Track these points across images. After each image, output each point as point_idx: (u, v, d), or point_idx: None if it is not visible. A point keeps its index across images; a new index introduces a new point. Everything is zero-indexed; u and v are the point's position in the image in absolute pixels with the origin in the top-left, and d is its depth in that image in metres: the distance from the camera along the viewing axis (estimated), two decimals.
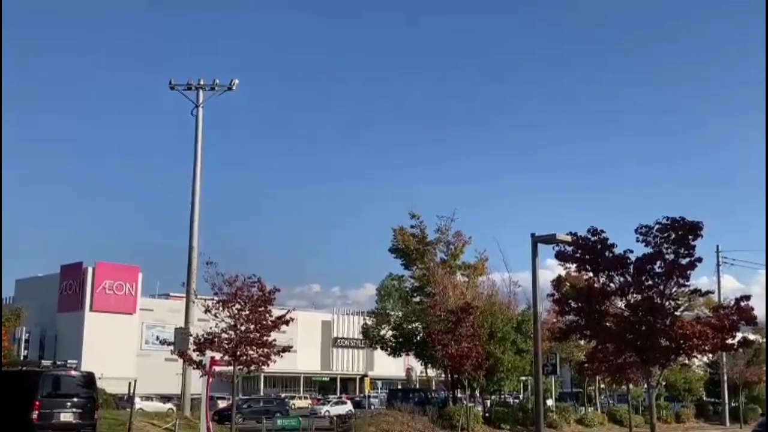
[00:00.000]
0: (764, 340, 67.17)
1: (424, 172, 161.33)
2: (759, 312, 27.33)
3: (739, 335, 27.05)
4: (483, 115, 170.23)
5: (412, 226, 49.09)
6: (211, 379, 28.54)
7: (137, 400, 59.59)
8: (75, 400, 24.89)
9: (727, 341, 25.40)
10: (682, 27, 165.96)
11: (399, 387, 75.18)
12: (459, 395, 43.28)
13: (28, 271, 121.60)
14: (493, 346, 41.94)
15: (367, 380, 78.27)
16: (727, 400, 59.32)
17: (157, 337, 35.70)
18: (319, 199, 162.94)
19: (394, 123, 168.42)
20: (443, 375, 47.05)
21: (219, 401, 53.66)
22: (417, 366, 62.59)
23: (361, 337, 61.80)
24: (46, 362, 27.80)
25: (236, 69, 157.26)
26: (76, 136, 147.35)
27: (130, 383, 32.04)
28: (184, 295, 38.77)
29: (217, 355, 27.70)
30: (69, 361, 27.28)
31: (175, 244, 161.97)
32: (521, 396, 57.74)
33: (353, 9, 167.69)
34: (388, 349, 50.34)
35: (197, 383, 32.57)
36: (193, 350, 27.91)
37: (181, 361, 30.38)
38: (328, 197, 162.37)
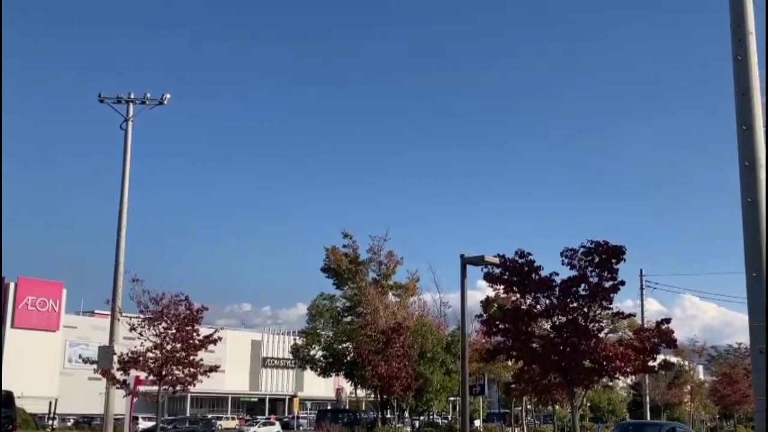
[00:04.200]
0: (685, 362, 69.26)
1: (358, 192, 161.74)
2: (679, 335, 28.13)
3: (660, 357, 27.81)
4: (420, 136, 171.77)
5: (344, 246, 49.29)
6: (135, 399, 28.01)
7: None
8: None
9: (648, 363, 26.03)
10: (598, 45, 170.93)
11: (328, 408, 74.76)
12: (388, 416, 43.33)
13: None
14: (423, 366, 42.20)
15: (296, 401, 77.54)
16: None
17: (80, 356, 34.82)
18: (250, 217, 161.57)
19: (329, 141, 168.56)
20: (373, 395, 47.08)
21: (143, 421, 52.59)
22: (347, 386, 62.48)
23: (291, 357, 61.37)
24: None
25: (168, 84, 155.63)
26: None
27: (50, 402, 31.23)
28: (109, 312, 37.99)
29: (142, 375, 27.23)
30: None
31: (101, 260, 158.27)
32: (450, 416, 58.10)
33: (287, 31, 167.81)
34: (318, 369, 50.18)
35: (121, 403, 31.88)
36: (117, 369, 27.37)
37: (105, 380, 29.75)
38: (259, 215, 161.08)
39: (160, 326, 26.81)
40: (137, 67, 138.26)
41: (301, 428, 65.09)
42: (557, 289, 24.41)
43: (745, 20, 8.91)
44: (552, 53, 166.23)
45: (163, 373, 26.66)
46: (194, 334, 27.45)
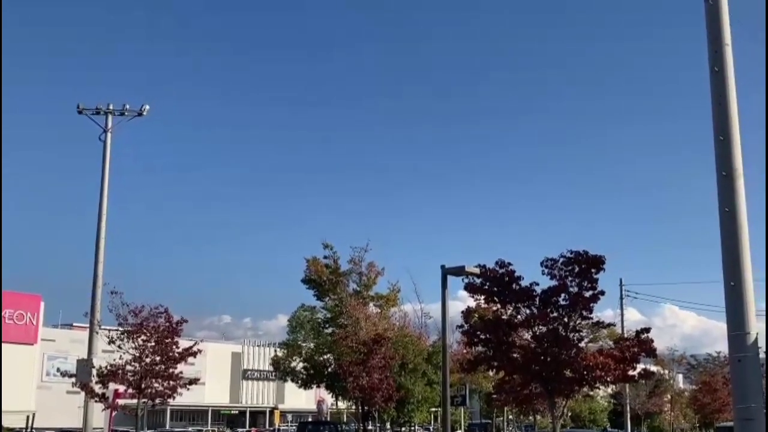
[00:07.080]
0: (665, 371, 69.69)
1: (338, 202, 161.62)
2: (658, 344, 28.27)
3: (640, 367, 27.95)
4: (401, 146, 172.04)
5: (325, 257, 49.08)
6: (114, 413, 27.78)
7: None
8: None
9: (628, 372, 26.13)
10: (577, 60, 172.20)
11: (309, 420, 74.43)
12: (370, 427, 43.20)
13: None
14: (404, 377, 42.15)
15: (277, 413, 77.24)
16: (629, 430, 60.99)
17: (58, 369, 34.58)
18: (230, 229, 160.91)
19: (308, 154, 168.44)
20: (354, 407, 46.95)
21: None
22: (328, 398, 62.26)
23: (271, 369, 61.10)
24: None
25: (148, 95, 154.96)
26: None
27: (28, 416, 30.90)
28: (88, 325, 37.71)
29: (121, 388, 27.06)
30: None
31: (79, 273, 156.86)
32: (431, 427, 58.02)
33: (261, 43, 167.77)
34: (299, 381, 49.96)
35: (100, 417, 31.59)
36: (96, 383, 27.14)
37: (83, 393, 29.49)
38: (239, 227, 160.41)
39: (139, 339, 26.68)
40: (122, 74, 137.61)
41: None
42: (538, 299, 24.50)
43: (721, 32, 9.01)
44: (537, 56, 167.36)
45: (143, 386, 26.50)
46: (174, 346, 27.34)
